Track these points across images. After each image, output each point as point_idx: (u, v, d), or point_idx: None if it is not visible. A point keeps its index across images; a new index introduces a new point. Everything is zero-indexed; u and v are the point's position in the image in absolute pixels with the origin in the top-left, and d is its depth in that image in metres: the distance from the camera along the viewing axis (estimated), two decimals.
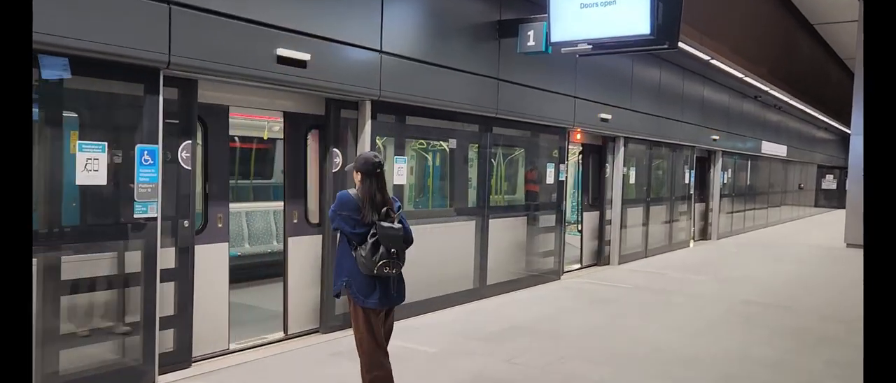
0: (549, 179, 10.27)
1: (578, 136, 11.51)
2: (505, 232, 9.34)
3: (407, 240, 4.33)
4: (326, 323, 6.80)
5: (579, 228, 12.89)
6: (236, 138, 10.14)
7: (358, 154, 5.23)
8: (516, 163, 9.98)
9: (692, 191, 16.50)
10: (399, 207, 4.47)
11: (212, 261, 5.67)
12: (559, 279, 10.56)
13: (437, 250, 8.02)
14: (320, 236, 6.83)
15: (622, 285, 10.36)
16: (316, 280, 6.86)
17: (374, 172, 4.31)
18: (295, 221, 6.66)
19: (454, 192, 8.84)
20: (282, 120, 6.65)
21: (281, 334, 6.62)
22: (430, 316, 7.70)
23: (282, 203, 6.80)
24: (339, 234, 4.41)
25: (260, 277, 9.01)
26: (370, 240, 4.17)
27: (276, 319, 6.79)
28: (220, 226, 5.73)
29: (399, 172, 7.42)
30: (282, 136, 7.09)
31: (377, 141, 7.11)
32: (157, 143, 4.98)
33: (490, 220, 8.92)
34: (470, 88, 8.17)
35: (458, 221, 8.55)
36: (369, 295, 4.24)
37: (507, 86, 8.75)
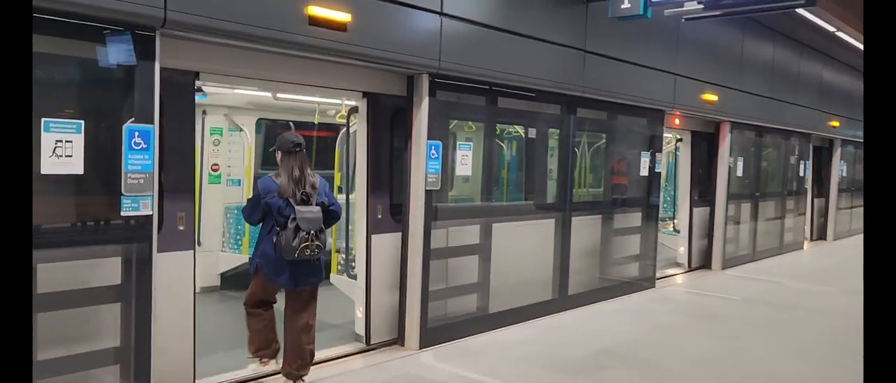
0: (643, 170, 8.78)
1: (677, 121, 9.92)
2: (590, 231, 7.97)
3: (332, 217, 4.78)
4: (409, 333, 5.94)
5: (675, 228, 11.29)
6: (291, 124, 9.22)
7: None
8: (603, 152, 8.56)
9: (807, 186, 14.45)
10: (327, 187, 4.75)
11: (168, 274, 4.33)
12: (653, 287, 9.07)
13: (509, 254, 6.77)
14: (399, 234, 5.93)
15: (729, 296, 8.76)
16: (395, 283, 5.95)
17: (292, 150, 4.64)
18: (379, 217, 5.77)
19: (531, 186, 7.55)
20: (363, 101, 5.69)
21: (361, 345, 5.88)
22: (499, 333, 6.47)
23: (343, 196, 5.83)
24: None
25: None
26: (291, 225, 4.45)
27: (341, 329, 5.95)
28: (181, 228, 4.51)
29: (463, 161, 6.20)
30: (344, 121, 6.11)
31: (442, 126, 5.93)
32: (152, 123, 3.98)
33: (573, 218, 7.57)
34: (551, 61, 6.84)
35: (535, 219, 7.26)
36: (280, 274, 4.66)
37: (595, 59, 7.35)
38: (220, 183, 7.80)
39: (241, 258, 7.58)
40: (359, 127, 5.90)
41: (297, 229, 4.42)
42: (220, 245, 7.84)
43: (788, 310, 8.06)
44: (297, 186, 4.57)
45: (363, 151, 5.80)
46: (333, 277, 6.64)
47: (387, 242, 5.91)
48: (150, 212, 3.99)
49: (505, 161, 9.89)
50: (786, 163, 13.27)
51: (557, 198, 7.57)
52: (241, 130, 7.80)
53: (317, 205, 4.59)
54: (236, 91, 7.32)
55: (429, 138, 5.75)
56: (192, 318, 4.64)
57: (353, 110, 6.06)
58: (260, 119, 8.28)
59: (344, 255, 6.58)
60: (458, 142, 6.20)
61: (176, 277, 4.49)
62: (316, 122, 7.60)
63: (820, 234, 15.80)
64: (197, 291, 7.93)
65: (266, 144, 9.31)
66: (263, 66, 4.90)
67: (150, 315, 4.07)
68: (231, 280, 7.86)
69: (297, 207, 4.49)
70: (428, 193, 5.81)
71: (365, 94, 5.70)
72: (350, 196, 6.27)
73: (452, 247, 6.24)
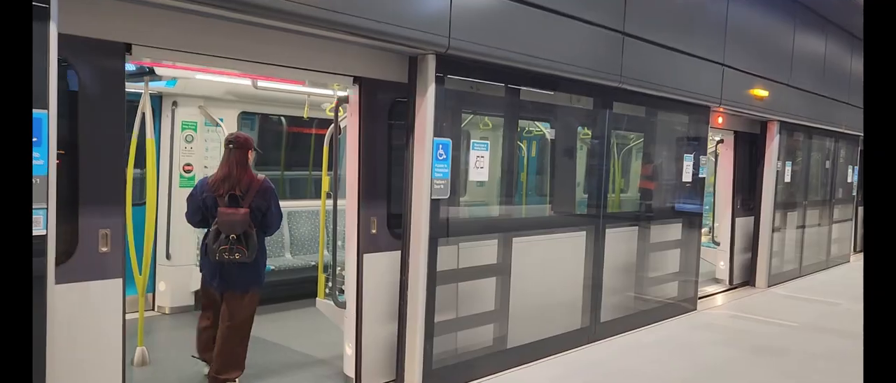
0: (685, 175, 7.59)
1: (720, 120, 8.72)
2: (625, 246, 6.80)
3: (267, 226, 4.69)
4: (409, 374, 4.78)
5: (714, 239, 10.08)
6: (282, 119, 8.12)
7: None
8: (640, 155, 7.39)
9: (855, 193, 13.18)
10: (269, 191, 4.66)
11: (85, 312, 3.35)
12: (695, 309, 7.88)
13: (532, 274, 5.63)
14: (398, 252, 4.80)
15: (784, 322, 7.55)
16: (393, 313, 4.83)
17: (227, 146, 4.64)
18: (373, 232, 4.70)
19: (557, 193, 6.40)
20: (354, 88, 4.62)
21: None
22: (519, 373, 5.32)
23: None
24: None
25: (296, 297, 6.99)
26: (213, 227, 4.46)
27: (327, 366, 5.03)
28: (104, 250, 3.41)
29: (478, 164, 5.05)
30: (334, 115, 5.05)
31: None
32: (45, 108, 2.87)
33: (606, 230, 6.41)
34: (584, 44, 5.68)
35: (562, 232, 6.10)
36: (212, 277, 4.67)
37: (635, 44, 6.18)
38: (193, 186, 6.68)
39: None
40: (349, 120, 4.79)
41: (218, 232, 4.44)
42: (195, 258, 6.75)
43: (856, 339, 6.84)
44: (223, 184, 4.55)
45: (354, 150, 4.68)
46: (319, 302, 5.53)
47: (382, 263, 4.80)
48: (43, 231, 2.88)
49: (525, 164, 8.74)
50: (833, 168, 12.01)
51: (589, 207, 6.41)
52: (217, 125, 6.70)
53: (250, 208, 4.52)
54: (212, 79, 6.24)
55: (435, 135, 4.62)
56: (121, 370, 3.52)
57: (343, 101, 4.94)
58: (243, 113, 7.18)
59: (331, 276, 5.46)
60: (471, 142, 5.04)
61: (93, 317, 3.38)
62: (305, 117, 6.48)
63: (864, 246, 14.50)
64: (167, 313, 7.02)
65: (262, 141, 8.23)
66: (220, 39, 3.79)
67: (44, 370, 2.96)
68: None
69: (220, 209, 4.48)
70: (434, 203, 4.67)
71: (356, 80, 4.60)
72: (338, 203, 5.15)
73: (464, 269, 5.10)
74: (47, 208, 2.88)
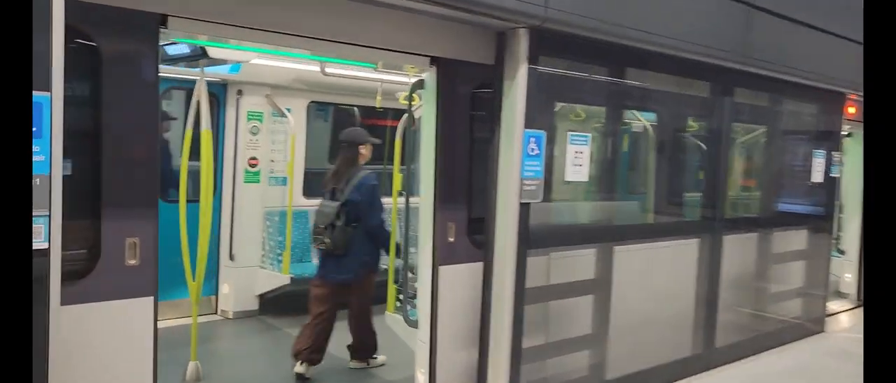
0: (815, 175, 6.49)
1: (851, 109, 7.50)
2: (744, 256, 5.82)
3: (366, 220, 4.78)
4: None
5: (839, 248, 8.83)
6: (355, 110, 7.56)
7: None
8: (763, 150, 6.36)
9: None
10: (364, 186, 4.75)
11: (108, 337, 2.79)
12: (822, 331, 6.78)
13: (637, 291, 4.79)
14: (480, 265, 4.02)
15: None
16: (473, 336, 4.08)
17: (340, 145, 5.08)
18: (450, 239, 3.96)
19: (663, 195, 5.50)
20: (431, 70, 3.90)
21: None
22: None
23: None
24: None
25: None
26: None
27: None
28: (132, 263, 2.82)
29: (577, 160, 4.25)
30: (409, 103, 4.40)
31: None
32: (47, 90, 2.31)
33: (723, 238, 5.46)
34: (702, 18, 4.76)
35: (672, 240, 5.21)
36: (319, 266, 5.01)
37: (764, 18, 5.19)
38: (258, 181, 6.21)
39: (283, 278, 5.96)
40: (425, 109, 4.10)
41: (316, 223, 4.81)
42: (260, 260, 6.27)
43: None
44: (331, 180, 4.93)
45: (430, 144, 3.99)
46: (388, 317, 4.90)
47: (461, 276, 4.09)
48: (43, 243, 2.32)
49: (626, 160, 7.83)
50: None
51: (703, 211, 5.48)
52: (283, 115, 6.18)
53: (345, 202, 4.72)
54: (278, 65, 5.73)
55: (526, 126, 3.86)
56: None
57: (418, 86, 4.24)
58: (313, 103, 6.64)
59: (402, 289, 4.80)
60: (569, 135, 4.24)
61: (118, 344, 2.83)
62: (378, 107, 5.85)
63: None
64: (230, 317, 6.59)
65: (334, 134, 7.71)
66: (274, 11, 3.17)
67: None
68: (273, 304, 6.28)
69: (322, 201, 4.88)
70: (523, 207, 3.91)
71: (434, 61, 3.89)
72: (410, 201, 4.49)
73: (556, 286, 4.33)
74: (50, 215, 2.32)
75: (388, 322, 4.89)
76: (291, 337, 5.72)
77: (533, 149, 3.89)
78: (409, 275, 4.64)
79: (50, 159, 2.30)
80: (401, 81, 5.74)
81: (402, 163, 5.02)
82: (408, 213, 4.51)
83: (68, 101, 2.41)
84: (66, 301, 2.52)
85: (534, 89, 3.85)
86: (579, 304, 4.57)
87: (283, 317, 6.20)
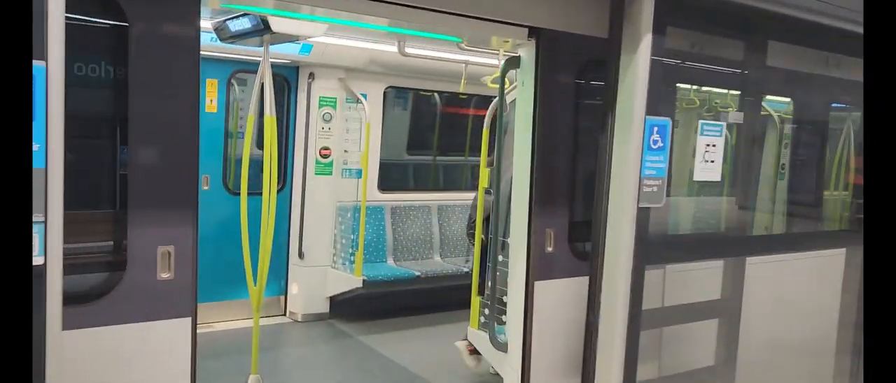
0: None
1: None
2: None
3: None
4: None
5: None
6: (436, 96, 6.96)
7: None
8: None
9: None
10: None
11: (137, 365, 2.29)
12: None
13: (771, 313, 3.96)
14: (584, 280, 3.25)
15: None
16: (575, 365, 3.36)
17: None
18: (548, 249, 3.35)
19: (804, 195, 4.60)
20: (529, 44, 3.29)
21: None
22: None
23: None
24: None
25: (445, 307, 5.80)
26: None
27: None
28: (165, 277, 2.30)
29: (708, 155, 3.45)
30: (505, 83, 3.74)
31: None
32: (43, 59, 1.78)
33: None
34: None
35: (814, 251, 4.31)
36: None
37: None
38: (331, 173, 5.70)
39: (354, 281, 5.43)
40: (520, 91, 3.43)
41: None
42: (330, 259, 5.77)
43: None
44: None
45: (525, 134, 3.32)
46: (472, 333, 4.27)
47: (560, 293, 3.41)
48: (39, 259, 1.80)
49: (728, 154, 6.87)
50: None
51: (851, 215, 4.56)
52: (358, 101, 5.63)
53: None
54: (351, 44, 5.18)
55: (649, 113, 3.11)
56: None
57: (511, 63, 3.56)
58: (390, 88, 6.07)
59: (488, 303, 4.14)
60: (699, 124, 3.45)
61: (150, 374, 2.31)
62: (461, 92, 5.21)
63: None
64: (299, 320, 6.13)
65: (414, 123, 7.16)
66: None
67: None
68: (344, 306, 5.78)
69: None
70: (642, 213, 3.17)
71: (533, 32, 3.22)
72: (496, 200, 3.83)
73: (676, 307, 3.57)
74: (47, 221, 1.79)
75: (472, 339, 4.25)
76: (363, 346, 5.21)
77: (656, 142, 3.14)
78: (498, 287, 3.98)
79: (46, 149, 1.77)
80: (488, 64, 5.08)
81: (490, 156, 4.36)
82: (496, 216, 3.84)
83: (84, 81, 1.90)
84: (80, 323, 2.02)
85: (659, 67, 3.10)
86: (704, 329, 3.79)
87: (355, 323, 5.68)
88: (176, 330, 2.34)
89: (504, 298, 3.86)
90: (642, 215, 3.16)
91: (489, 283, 4.12)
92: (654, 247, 3.26)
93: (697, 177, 3.42)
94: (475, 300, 4.24)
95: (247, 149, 4.05)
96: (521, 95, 3.43)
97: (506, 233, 3.98)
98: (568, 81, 3.37)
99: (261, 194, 3.98)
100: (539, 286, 3.37)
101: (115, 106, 2.27)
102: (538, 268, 3.35)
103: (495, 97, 4.26)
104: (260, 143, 4.50)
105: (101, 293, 2.20)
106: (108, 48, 2.26)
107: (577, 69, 3.37)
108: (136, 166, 2.24)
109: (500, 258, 4.00)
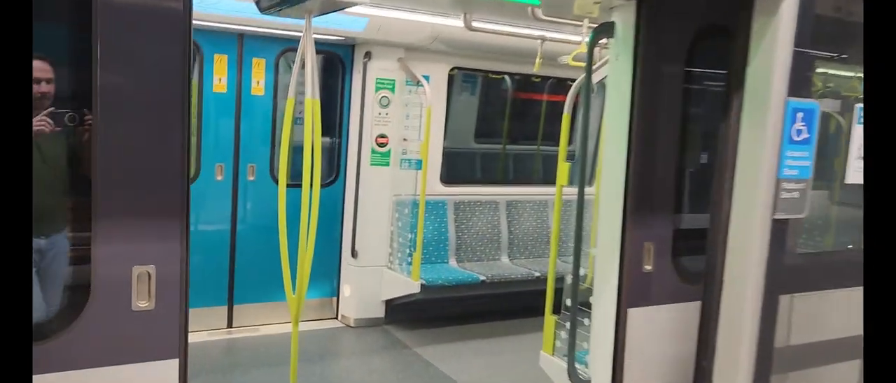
0: None
1: None
2: None
3: None
4: None
5: None
6: (507, 79, 6.27)
7: None
8: None
9: None
10: None
11: None
12: None
13: None
14: (692, 307, 2.61)
15: None
16: None
17: None
18: (646, 268, 2.68)
19: None
20: (627, 7, 2.62)
21: None
22: None
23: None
24: None
25: (512, 314, 5.15)
26: None
27: None
28: (143, 306, 1.71)
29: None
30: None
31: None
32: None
33: None
34: None
35: None
36: None
37: None
38: (388, 164, 5.11)
39: (412, 285, 4.84)
40: (613, 67, 2.72)
41: None
42: (386, 258, 5.20)
43: None
44: None
45: (619, 119, 2.61)
46: (544, 359, 3.58)
47: (662, 322, 2.70)
48: None
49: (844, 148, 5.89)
50: None
51: None
52: (419, 85, 5.01)
53: None
54: (410, 18, 4.56)
55: (791, 94, 2.34)
56: None
57: (603, 31, 2.83)
58: (456, 69, 5.42)
59: (568, 326, 3.44)
60: (856, 109, 2.64)
61: None
62: (536, 70, 4.50)
63: None
64: (351, 325, 5.48)
65: (482, 109, 6.51)
66: None
67: None
68: (400, 311, 5.21)
69: None
70: (777, 225, 2.41)
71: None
72: (579, 201, 3.11)
73: (808, 345, 2.78)
74: None
75: (543, 366, 3.57)
76: (420, 360, 4.62)
77: (800, 132, 2.37)
78: (578, 308, 3.27)
79: None
80: (568, 40, 4.36)
81: (571, 145, 3.66)
82: (579, 219, 3.13)
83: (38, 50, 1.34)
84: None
85: (807, 32, 2.32)
86: (842, 371, 2.98)
87: (412, 330, 5.11)
88: (158, 376, 1.78)
89: (586, 321, 3.17)
90: (778, 229, 2.40)
91: (566, 301, 3.43)
92: (794, 268, 2.50)
93: (850, 179, 2.62)
94: (549, 320, 3.55)
95: (286, 134, 3.50)
96: (615, 72, 2.72)
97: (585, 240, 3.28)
98: (678, 54, 2.64)
99: (297, 186, 3.44)
100: (634, 313, 2.66)
101: (75, 85, 1.72)
102: (632, 292, 2.65)
103: (575, 80, 3.55)
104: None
105: (54, 329, 1.66)
106: (67, 8, 1.71)
107: (689, 38, 2.63)
108: (102, 162, 1.68)
109: (582, 271, 3.30)
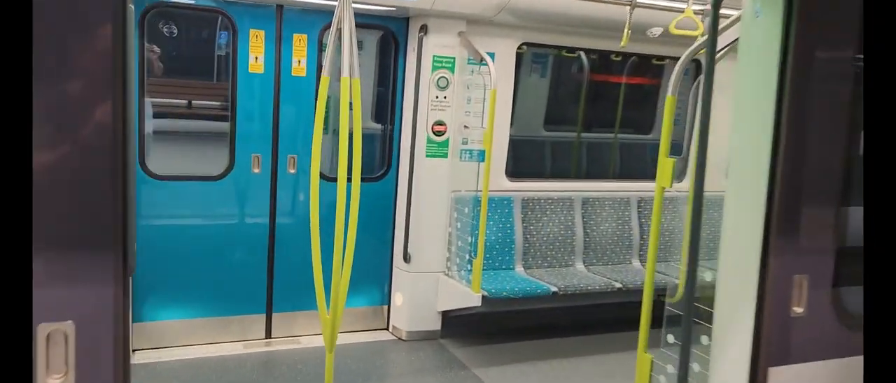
0: None
1: None
2: None
3: None
4: None
5: None
6: (582, 56, 5.49)
7: None
8: None
9: None
10: None
11: None
12: None
13: None
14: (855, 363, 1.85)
15: None
16: None
17: None
18: (796, 310, 1.96)
19: None
20: None
21: None
22: None
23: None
24: None
25: (587, 329, 4.47)
26: None
27: None
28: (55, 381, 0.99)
29: None
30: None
31: None
32: None
33: None
34: None
35: None
36: None
37: None
38: (446, 155, 4.46)
39: (472, 297, 4.17)
40: (747, 30, 1.96)
41: None
42: (444, 264, 4.56)
43: None
44: None
45: (761, 99, 1.87)
46: None
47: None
48: None
49: None
50: None
51: None
52: (482, 64, 4.31)
53: None
54: None
55: None
56: None
57: None
58: (526, 44, 4.70)
59: (669, 370, 2.69)
60: None
61: None
62: (623, 45, 3.73)
63: None
64: (403, 338, 4.37)
65: (553, 93, 5.76)
66: None
67: None
68: (458, 324, 4.57)
69: None
70: None
71: None
72: (697, 212, 2.34)
73: None
74: None
75: None
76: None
77: None
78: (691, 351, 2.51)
79: None
80: (665, 7, 3.58)
81: (676, 138, 2.88)
82: (696, 234, 2.34)
83: None
84: None
85: None
86: None
87: (471, 346, 4.47)
88: None
89: (696, 367, 2.41)
90: None
91: (668, 337, 2.67)
92: None
93: None
94: (643, 360, 2.78)
95: (319, 120, 2.90)
96: (751, 37, 1.96)
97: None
98: (849, 14, 1.86)
99: (352, 180, 2.84)
100: (775, 373, 1.92)
101: None
102: (776, 343, 1.91)
103: (662, 57, 2.77)
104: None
105: None
106: None
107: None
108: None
109: (697, 295, 2.53)
